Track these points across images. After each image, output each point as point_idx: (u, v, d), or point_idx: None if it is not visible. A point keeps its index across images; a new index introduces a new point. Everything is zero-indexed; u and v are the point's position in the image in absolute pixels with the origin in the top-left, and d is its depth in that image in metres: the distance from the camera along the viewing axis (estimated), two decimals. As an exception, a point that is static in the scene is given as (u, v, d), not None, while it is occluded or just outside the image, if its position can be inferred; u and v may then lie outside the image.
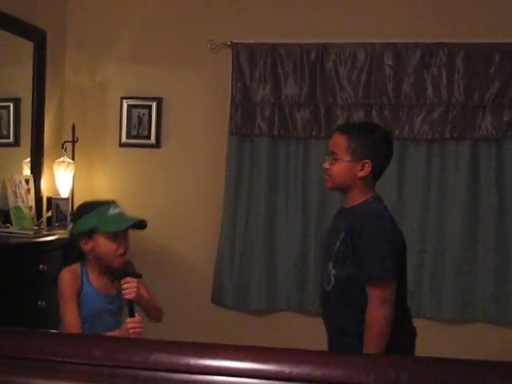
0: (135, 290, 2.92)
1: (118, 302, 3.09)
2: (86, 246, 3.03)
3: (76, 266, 3.07)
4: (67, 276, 3.04)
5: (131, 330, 2.88)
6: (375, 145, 2.93)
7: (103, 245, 3.00)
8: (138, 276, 3.03)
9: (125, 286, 2.93)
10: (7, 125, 4.83)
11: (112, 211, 3.00)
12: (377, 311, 2.76)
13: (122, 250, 3.01)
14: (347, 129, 3.06)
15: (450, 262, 4.88)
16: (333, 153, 2.97)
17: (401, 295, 2.93)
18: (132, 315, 2.96)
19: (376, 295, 2.76)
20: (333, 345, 3.03)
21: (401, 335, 2.88)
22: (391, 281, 2.79)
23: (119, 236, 3.00)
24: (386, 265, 2.77)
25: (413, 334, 3.02)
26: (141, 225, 3.06)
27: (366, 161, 2.88)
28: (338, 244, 2.89)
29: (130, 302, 2.96)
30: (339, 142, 2.96)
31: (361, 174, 2.89)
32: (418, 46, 4.88)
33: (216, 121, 5.22)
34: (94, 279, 3.06)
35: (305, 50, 5.00)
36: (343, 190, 3.01)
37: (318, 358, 1.28)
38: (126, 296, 2.93)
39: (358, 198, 2.93)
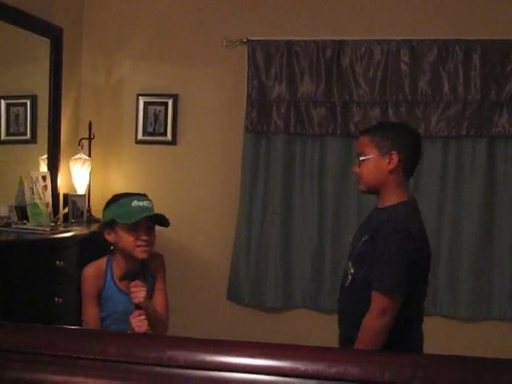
0: (142, 294, 2.88)
1: None
2: (109, 237, 3.03)
3: (102, 261, 3.08)
4: (90, 273, 3.04)
5: (134, 325, 2.84)
6: (398, 136, 2.89)
7: (122, 236, 2.98)
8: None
9: (132, 289, 2.89)
10: (24, 122, 4.85)
11: (135, 203, 2.98)
12: (374, 320, 2.73)
13: (140, 242, 2.96)
14: (369, 128, 3.06)
15: (466, 260, 4.86)
16: (359, 154, 2.94)
17: (414, 303, 2.88)
18: None
19: (378, 305, 2.72)
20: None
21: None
22: (398, 296, 2.73)
23: (138, 228, 2.96)
24: (396, 279, 2.72)
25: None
26: (159, 220, 3.04)
27: (392, 152, 2.84)
28: (359, 245, 2.87)
29: (137, 306, 2.91)
30: (363, 141, 2.93)
31: (390, 166, 2.85)
32: (434, 43, 4.86)
33: (232, 118, 5.22)
34: (119, 276, 3.04)
35: (321, 47, 5.00)
36: (376, 190, 2.95)
37: (334, 355, 1.28)
38: (133, 300, 2.89)
39: (389, 198, 2.88)
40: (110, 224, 3.01)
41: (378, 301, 2.73)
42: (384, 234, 2.78)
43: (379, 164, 2.87)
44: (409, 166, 2.93)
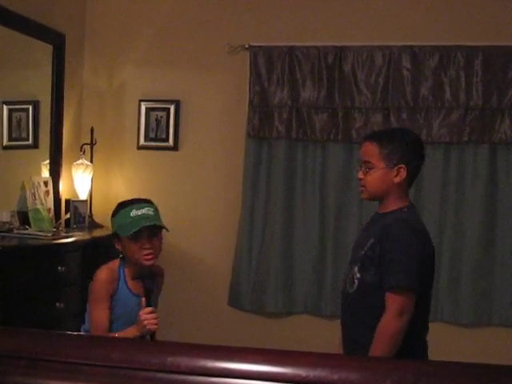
0: (156, 321, 2.86)
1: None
2: (118, 247, 3.05)
3: (115, 264, 3.07)
4: (104, 275, 3.02)
5: (145, 322, 2.82)
6: (408, 148, 2.89)
7: (127, 246, 2.99)
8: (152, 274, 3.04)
9: (146, 316, 2.85)
10: (26, 127, 4.86)
11: (133, 213, 2.97)
12: (392, 321, 2.70)
13: (145, 251, 2.96)
14: (376, 136, 3.01)
15: (467, 266, 4.86)
16: (365, 162, 2.91)
17: (422, 309, 2.87)
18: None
19: (394, 305, 2.70)
20: (347, 353, 3.00)
21: (414, 347, 2.85)
22: (412, 293, 2.72)
23: (140, 237, 2.96)
24: (409, 276, 2.71)
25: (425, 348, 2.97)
26: (155, 227, 3.03)
27: (401, 166, 2.84)
28: (365, 249, 2.85)
29: (148, 295, 2.92)
30: (371, 150, 2.89)
31: (397, 179, 2.85)
32: (435, 49, 4.87)
33: (234, 123, 5.23)
34: (130, 279, 3.05)
35: (322, 53, 5.00)
36: (379, 198, 2.96)
37: (335, 361, 1.28)
38: (148, 327, 2.84)
39: (392, 204, 2.89)
40: (116, 235, 3.03)
41: (395, 302, 2.71)
42: (392, 235, 2.79)
43: (386, 176, 2.86)
44: (414, 176, 2.95)
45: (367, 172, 2.90)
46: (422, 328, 2.92)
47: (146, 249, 2.97)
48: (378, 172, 2.87)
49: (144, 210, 3.00)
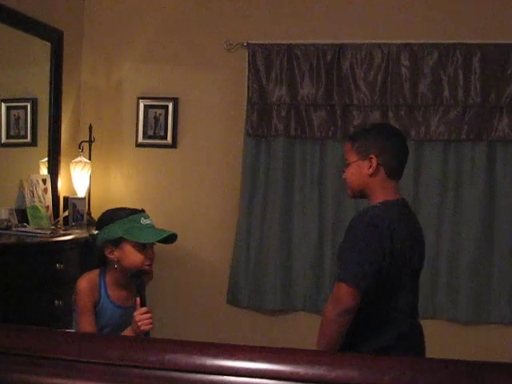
0: (150, 321, 2.80)
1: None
2: (112, 255, 2.93)
3: (94, 274, 3.00)
4: (85, 286, 2.95)
5: (139, 323, 2.76)
6: (377, 139, 2.92)
7: (130, 254, 2.91)
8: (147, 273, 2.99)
9: (141, 317, 2.78)
10: (24, 125, 4.85)
11: (143, 221, 2.93)
12: (328, 309, 2.72)
13: (149, 261, 2.94)
14: (352, 134, 3.16)
15: (466, 263, 4.86)
16: (346, 162, 3.00)
17: (394, 299, 2.84)
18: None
19: (333, 293, 2.71)
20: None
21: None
22: (354, 289, 2.65)
23: (147, 247, 2.93)
24: (353, 271, 2.67)
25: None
26: (171, 239, 3.00)
27: (371, 156, 2.86)
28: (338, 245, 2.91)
29: (142, 295, 2.84)
30: (347, 147, 2.99)
31: (370, 170, 2.87)
32: (434, 47, 4.87)
33: (232, 121, 5.22)
34: (112, 290, 2.99)
35: (321, 51, 5.00)
36: (362, 194, 2.98)
37: (333, 358, 1.28)
38: (142, 328, 2.78)
39: (374, 200, 2.91)
40: (116, 241, 2.93)
41: (334, 289, 2.72)
42: (349, 228, 2.84)
43: (360, 169, 2.90)
44: (392, 167, 2.91)
45: (346, 169, 2.98)
46: (401, 315, 2.86)
47: (150, 258, 2.95)
48: (353, 166, 2.93)
49: (150, 220, 2.98)
